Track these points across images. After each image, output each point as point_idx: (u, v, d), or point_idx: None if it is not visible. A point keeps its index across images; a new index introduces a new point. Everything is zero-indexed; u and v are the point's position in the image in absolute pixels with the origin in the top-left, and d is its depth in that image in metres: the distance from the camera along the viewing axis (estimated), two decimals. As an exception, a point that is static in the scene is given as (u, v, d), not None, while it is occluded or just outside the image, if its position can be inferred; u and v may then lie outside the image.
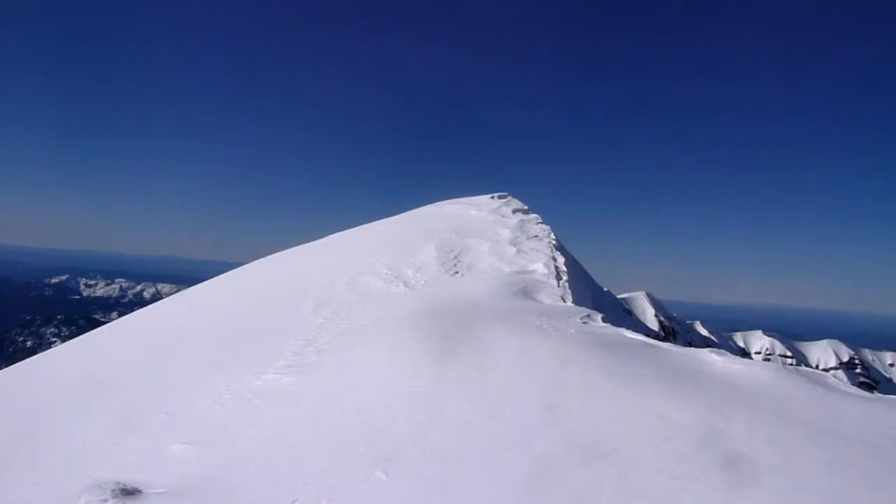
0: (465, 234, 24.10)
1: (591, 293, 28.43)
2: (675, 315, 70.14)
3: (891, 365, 77.10)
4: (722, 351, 10.30)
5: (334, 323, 13.98)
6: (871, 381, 70.62)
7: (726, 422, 6.68)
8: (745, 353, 68.98)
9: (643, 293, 67.29)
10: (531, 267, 20.30)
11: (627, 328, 15.06)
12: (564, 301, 16.75)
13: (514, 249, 22.15)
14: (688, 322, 71.78)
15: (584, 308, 15.55)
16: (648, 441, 6.30)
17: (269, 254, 26.13)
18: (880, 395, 9.15)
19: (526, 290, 17.00)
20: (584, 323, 13.09)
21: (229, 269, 24.55)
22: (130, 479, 6.30)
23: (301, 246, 26.74)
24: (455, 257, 21.18)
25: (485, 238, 23.49)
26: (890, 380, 74.45)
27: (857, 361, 74.56)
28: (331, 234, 28.33)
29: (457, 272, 19.99)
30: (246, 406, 8.83)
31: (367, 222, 29.73)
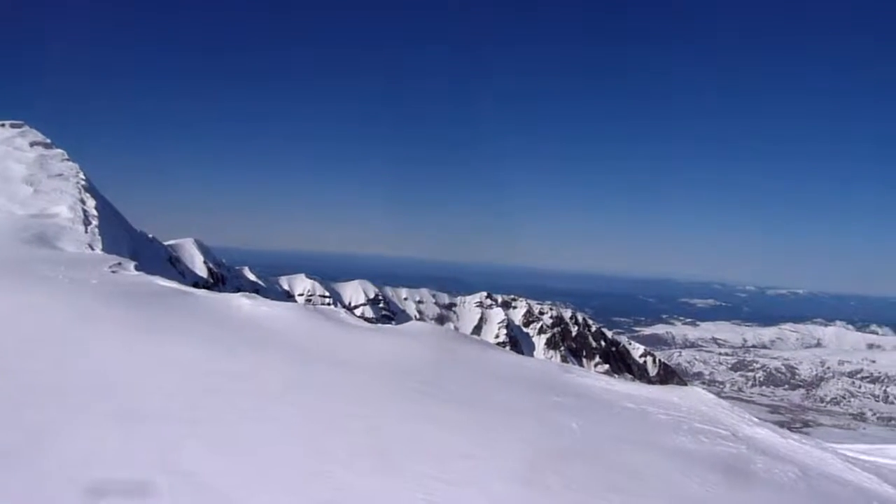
0: (-39, 167, 19.78)
1: (129, 240, 26.56)
2: (224, 261, 70.64)
3: (405, 299, 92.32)
4: (252, 295, 10.85)
5: None
6: (391, 314, 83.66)
7: (238, 360, 7.10)
8: (289, 296, 73.78)
9: (191, 240, 65.78)
10: (53, 210, 17.90)
11: (169, 276, 14.54)
12: (93, 248, 15.31)
13: (31, 189, 19.19)
14: (237, 268, 73.09)
15: (115, 256, 14.48)
16: (161, 385, 6.24)
17: None
18: (380, 325, 10.98)
19: (44, 237, 14.95)
20: (114, 272, 12.23)
21: None
22: None
23: None
24: (-58, 196, 17.27)
25: (-10, 174, 19.68)
26: (404, 311, 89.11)
27: (380, 298, 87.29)
28: None
29: (-54, 214, 16.35)
30: None
31: None
